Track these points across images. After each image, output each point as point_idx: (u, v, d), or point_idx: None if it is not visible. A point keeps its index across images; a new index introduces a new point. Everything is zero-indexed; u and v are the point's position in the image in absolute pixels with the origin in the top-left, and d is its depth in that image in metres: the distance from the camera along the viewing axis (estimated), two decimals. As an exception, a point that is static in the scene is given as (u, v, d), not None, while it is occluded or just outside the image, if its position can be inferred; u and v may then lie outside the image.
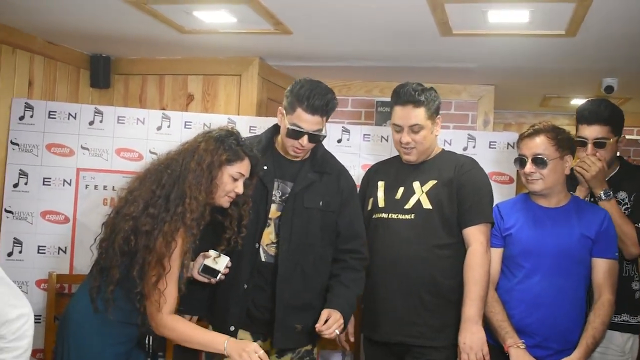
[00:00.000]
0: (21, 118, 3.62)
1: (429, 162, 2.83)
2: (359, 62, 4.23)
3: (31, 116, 3.63)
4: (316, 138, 2.62)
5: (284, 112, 2.63)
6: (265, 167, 2.62)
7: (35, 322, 3.48)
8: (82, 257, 3.52)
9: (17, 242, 3.57)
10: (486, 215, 2.73)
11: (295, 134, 2.59)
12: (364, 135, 3.85)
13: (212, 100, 4.28)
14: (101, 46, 4.13)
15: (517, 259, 2.73)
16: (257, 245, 2.65)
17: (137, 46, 4.06)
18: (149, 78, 4.39)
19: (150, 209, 2.26)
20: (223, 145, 2.38)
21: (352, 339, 2.97)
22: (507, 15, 3.01)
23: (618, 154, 3.09)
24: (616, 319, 2.83)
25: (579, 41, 3.37)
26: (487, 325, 2.70)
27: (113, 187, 3.55)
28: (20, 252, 3.56)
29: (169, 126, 3.76)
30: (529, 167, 2.71)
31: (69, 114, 3.67)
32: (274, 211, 2.67)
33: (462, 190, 2.73)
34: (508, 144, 3.75)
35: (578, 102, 5.64)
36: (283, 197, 2.68)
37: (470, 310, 2.60)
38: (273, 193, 2.67)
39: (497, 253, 2.76)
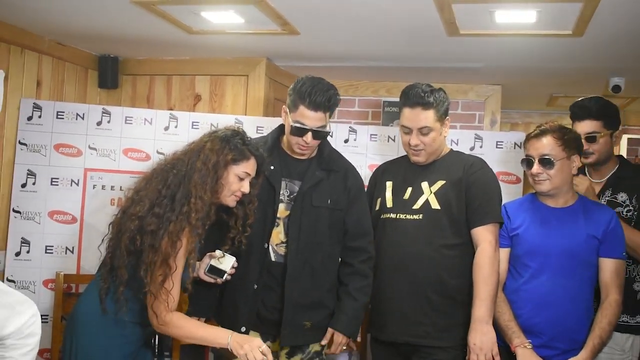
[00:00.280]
0: (29, 118, 3.63)
1: (438, 162, 2.82)
2: (366, 62, 4.23)
3: (39, 116, 3.64)
4: (320, 134, 2.63)
5: (287, 110, 2.64)
6: (272, 167, 2.63)
7: (42, 322, 3.49)
8: (90, 257, 3.54)
9: (25, 242, 3.59)
10: (495, 215, 2.72)
11: (299, 131, 2.59)
12: (371, 135, 3.85)
13: (219, 100, 4.29)
14: (109, 47, 4.14)
15: (524, 259, 2.73)
16: (266, 245, 2.65)
17: (145, 47, 4.07)
18: (156, 78, 4.40)
19: (155, 209, 2.27)
20: (229, 144, 2.38)
21: (358, 339, 2.96)
22: (514, 15, 3.00)
23: (624, 154, 3.08)
24: None
25: (586, 41, 3.36)
26: (495, 326, 2.70)
27: (120, 187, 3.56)
28: (27, 252, 3.58)
29: (176, 126, 3.77)
30: (536, 167, 2.70)
31: (77, 114, 3.69)
32: (282, 210, 2.67)
33: (470, 190, 2.72)
34: (515, 143, 3.74)
35: (586, 102, 5.64)
36: (291, 196, 2.68)
37: (480, 310, 2.60)
38: (281, 192, 2.67)
39: (504, 253, 2.76)
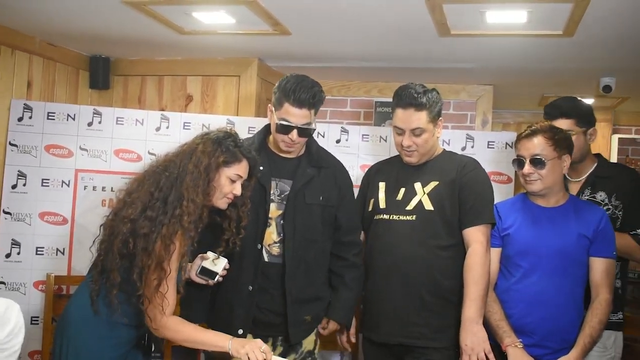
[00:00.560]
0: (20, 119, 3.62)
1: (431, 163, 2.82)
2: (358, 63, 4.23)
3: (30, 117, 3.63)
4: (306, 132, 2.63)
5: (273, 109, 2.65)
6: (261, 168, 2.63)
7: (32, 324, 3.51)
8: (81, 259, 3.53)
9: (15, 243, 3.57)
10: (487, 216, 2.73)
11: (285, 129, 2.60)
12: (363, 135, 3.85)
13: (211, 101, 4.28)
14: (100, 47, 4.13)
15: (515, 259, 2.73)
16: (259, 246, 2.65)
17: (137, 47, 4.06)
18: (148, 79, 4.39)
19: (148, 212, 2.26)
20: (221, 147, 2.38)
21: (353, 340, 2.97)
22: (505, 16, 3.01)
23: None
24: None
25: (576, 41, 3.37)
26: (486, 326, 2.70)
27: (112, 188, 3.54)
28: (18, 253, 3.56)
29: (167, 127, 3.76)
30: (527, 168, 2.71)
31: (68, 115, 3.67)
32: (273, 210, 2.68)
33: (463, 190, 2.73)
34: (506, 143, 3.75)
35: (577, 101, 5.66)
36: (282, 196, 2.69)
37: (470, 310, 2.60)
38: (271, 192, 2.67)
39: (495, 253, 2.76)
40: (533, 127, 2.74)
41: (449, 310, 2.70)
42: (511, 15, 3.01)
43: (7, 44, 3.62)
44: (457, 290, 2.69)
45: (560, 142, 2.72)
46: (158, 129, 3.75)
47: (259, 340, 2.28)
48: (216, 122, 3.60)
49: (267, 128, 2.79)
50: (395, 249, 2.73)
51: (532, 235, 2.72)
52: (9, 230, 3.56)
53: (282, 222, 2.67)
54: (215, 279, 2.54)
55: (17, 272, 3.54)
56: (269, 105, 2.70)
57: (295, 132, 2.60)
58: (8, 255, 3.56)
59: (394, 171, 2.89)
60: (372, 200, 2.86)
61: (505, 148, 3.76)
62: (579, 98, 3.21)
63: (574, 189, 3.02)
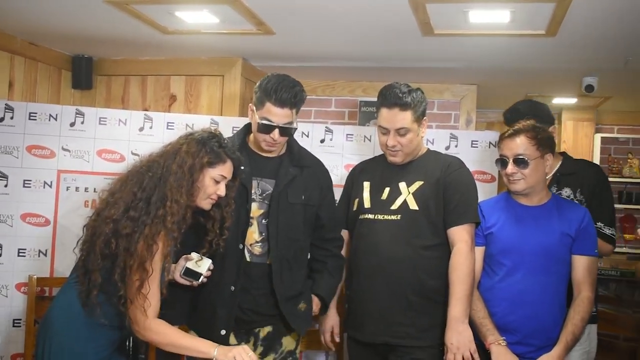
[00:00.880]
0: (1, 120, 3.57)
1: (415, 162, 2.83)
2: (342, 62, 4.24)
3: (11, 118, 3.58)
4: (287, 131, 2.63)
5: (254, 108, 2.64)
6: (242, 167, 2.62)
7: (15, 326, 3.47)
8: (63, 260, 3.49)
9: (-3, 245, 3.53)
10: (471, 216, 2.73)
11: (266, 128, 2.60)
12: (347, 135, 3.85)
13: (194, 101, 4.27)
14: (83, 47, 4.10)
15: (499, 257, 2.75)
16: (241, 246, 2.64)
17: (120, 47, 4.04)
18: (131, 79, 4.37)
19: (131, 212, 2.24)
20: (205, 147, 2.36)
21: (337, 339, 2.97)
22: (488, 15, 3.03)
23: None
24: None
25: (559, 41, 3.40)
26: (471, 324, 2.71)
27: (94, 189, 3.51)
28: (0, 255, 3.52)
29: (151, 127, 3.73)
30: (511, 167, 2.72)
31: (50, 116, 3.63)
32: (255, 210, 2.67)
33: (448, 190, 2.73)
34: (490, 143, 3.76)
35: (560, 100, 5.72)
36: (264, 195, 2.68)
37: (456, 309, 2.60)
38: (253, 192, 2.67)
39: (479, 251, 2.77)
40: (515, 127, 2.76)
41: (434, 310, 2.70)
42: (494, 15, 3.03)
43: (-12, 44, 3.60)
44: (442, 290, 2.69)
45: (543, 141, 2.73)
46: (141, 129, 3.72)
47: (246, 347, 2.27)
48: (200, 122, 3.58)
49: (247, 127, 2.79)
50: (380, 248, 2.73)
51: (515, 233, 2.73)
52: (-10, 231, 3.53)
53: (264, 221, 2.67)
54: (200, 280, 2.53)
55: (-1, 274, 3.51)
56: (250, 104, 2.69)
57: (277, 131, 2.60)
58: (-11, 257, 3.52)
59: (378, 171, 2.89)
60: (356, 200, 2.87)
61: (489, 147, 3.77)
62: (534, 99, 3.35)
63: None
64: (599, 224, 2.96)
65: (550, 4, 2.82)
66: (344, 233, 2.95)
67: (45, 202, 3.58)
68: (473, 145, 3.82)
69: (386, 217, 2.75)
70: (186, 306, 2.70)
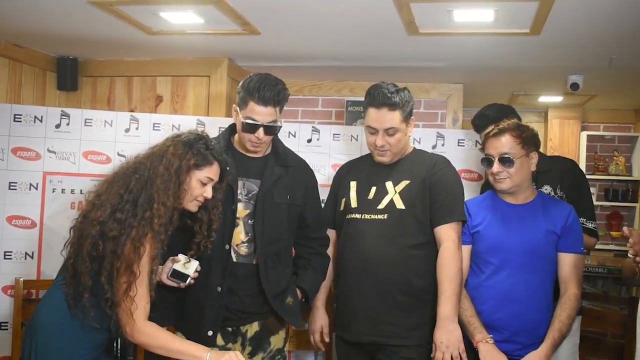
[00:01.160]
0: (-14, 122, 3.56)
1: (402, 161, 2.83)
2: (329, 62, 4.24)
3: (-4, 120, 3.57)
4: (272, 130, 2.63)
5: (238, 108, 2.64)
6: (227, 168, 2.62)
7: (2, 329, 3.45)
8: (50, 263, 3.48)
9: (-17, 248, 3.51)
10: (458, 214, 2.74)
11: (251, 127, 2.59)
12: (334, 134, 3.86)
13: (181, 101, 4.27)
14: (68, 48, 4.08)
15: (485, 256, 2.76)
16: (227, 246, 2.64)
17: (105, 48, 4.02)
18: (117, 80, 4.36)
19: (117, 214, 2.23)
20: (192, 149, 2.36)
21: (327, 339, 2.98)
22: (472, 14, 3.05)
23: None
24: None
25: (543, 39, 3.42)
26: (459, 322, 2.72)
27: (81, 190, 3.51)
28: (-14, 258, 3.51)
29: (137, 128, 3.72)
30: (496, 166, 2.73)
31: (35, 117, 3.62)
32: (241, 210, 2.67)
33: (434, 189, 2.74)
34: (476, 141, 3.78)
35: (546, 99, 5.75)
36: (249, 195, 2.68)
37: (446, 308, 2.60)
38: (239, 192, 2.67)
39: (465, 250, 2.78)
40: (500, 126, 2.76)
41: (421, 310, 2.71)
42: (478, 14, 3.04)
43: (-29, 46, 3.57)
44: (430, 289, 2.69)
45: (528, 139, 2.74)
46: (127, 130, 3.72)
47: (237, 353, 2.26)
48: (186, 122, 3.58)
49: (231, 128, 2.78)
50: (367, 248, 2.73)
51: (501, 232, 2.75)
52: (-24, 234, 3.51)
53: (250, 221, 2.67)
54: (187, 282, 2.53)
55: (-15, 277, 3.49)
56: (234, 105, 2.69)
57: (261, 130, 2.60)
58: (-25, 260, 3.50)
59: (365, 170, 2.89)
60: (343, 200, 2.87)
61: (476, 146, 3.79)
62: (498, 103, 3.46)
63: None
64: (581, 219, 2.98)
65: (533, 2, 2.84)
66: (331, 233, 2.95)
67: (31, 204, 3.57)
68: (459, 144, 3.84)
69: (373, 216, 2.75)
70: (171, 308, 2.69)
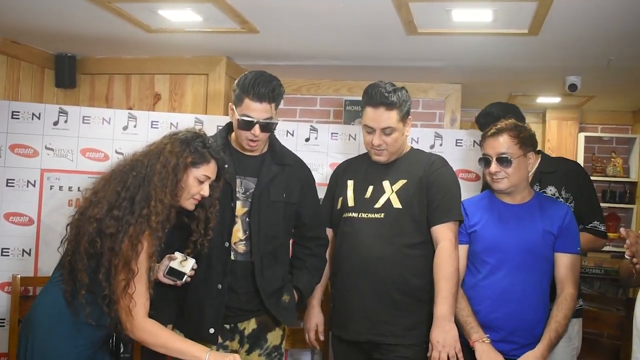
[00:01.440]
0: (-17, 119, 3.56)
1: (399, 161, 2.83)
2: (327, 61, 4.24)
3: (-6, 117, 3.57)
4: (268, 126, 2.63)
5: (234, 107, 2.65)
6: (225, 166, 2.62)
7: (-2, 327, 3.43)
8: (47, 260, 3.48)
9: (-20, 244, 3.51)
10: (455, 214, 2.74)
11: (246, 125, 2.60)
12: (332, 134, 3.86)
13: (179, 99, 4.27)
14: (66, 45, 4.08)
15: (482, 255, 2.76)
16: (226, 244, 2.64)
17: (103, 45, 4.02)
18: (115, 77, 4.36)
19: (114, 211, 2.23)
20: (189, 147, 2.36)
21: (322, 338, 2.98)
22: (471, 14, 3.05)
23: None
24: None
25: (542, 40, 3.42)
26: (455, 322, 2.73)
27: (78, 188, 3.49)
28: (-17, 254, 3.51)
29: (135, 126, 3.72)
30: (494, 166, 2.74)
31: (33, 114, 3.61)
32: (239, 208, 2.67)
33: (431, 188, 2.74)
34: (474, 141, 3.79)
35: (544, 100, 5.76)
36: (247, 193, 2.68)
37: (443, 307, 2.61)
38: (237, 190, 2.67)
39: (462, 250, 2.78)
40: (498, 126, 2.77)
41: (418, 309, 2.71)
42: (477, 14, 3.04)
43: (-31, 42, 3.57)
44: (426, 288, 2.70)
45: (526, 139, 2.75)
46: (125, 127, 3.71)
47: (237, 356, 2.26)
48: (184, 121, 3.58)
49: (228, 126, 2.79)
50: (364, 247, 2.73)
51: (498, 232, 2.75)
52: (-27, 231, 3.50)
53: (247, 219, 2.67)
54: (184, 280, 2.52)
55: (-18, 274, 3.48)
56: (230, 103, 2.69)
57: (257, 127, 2.60)
58: (-27, 257, 3.49)
59: (362, 169, 2.89)
60: (340, 199, 2.87)
61: (474, 146, 3.79)
62: (502, 102, 3.46)
63: None
64: (595, 222, 3.01)
65: (532, 3, 2.84)
66: (329, 232, 2.95)
67: (28, 201, 3.57)
68: (457, 144, 3.84)
69: (370, 215, 2.76)
70: (171, 307, 2.69)
